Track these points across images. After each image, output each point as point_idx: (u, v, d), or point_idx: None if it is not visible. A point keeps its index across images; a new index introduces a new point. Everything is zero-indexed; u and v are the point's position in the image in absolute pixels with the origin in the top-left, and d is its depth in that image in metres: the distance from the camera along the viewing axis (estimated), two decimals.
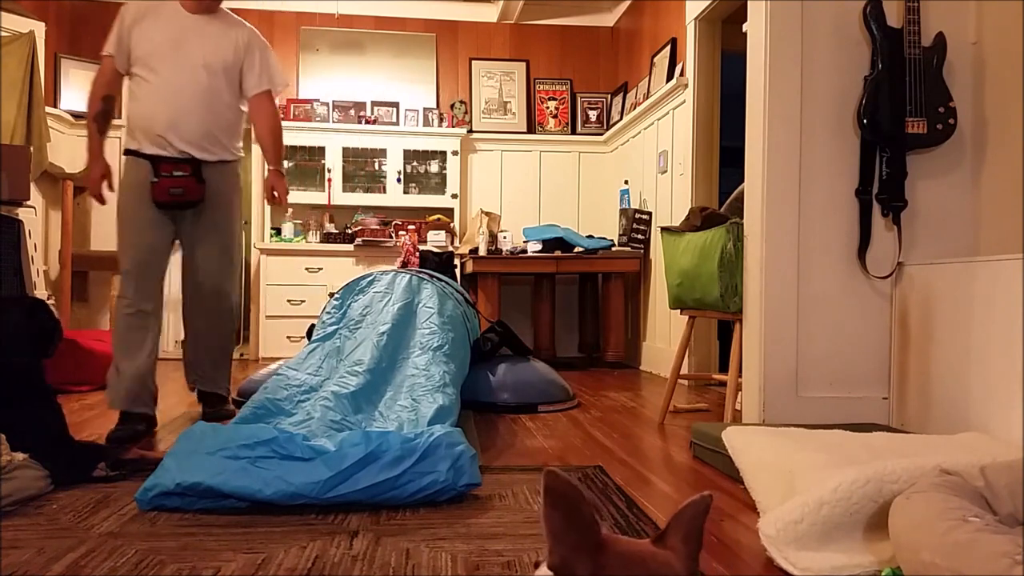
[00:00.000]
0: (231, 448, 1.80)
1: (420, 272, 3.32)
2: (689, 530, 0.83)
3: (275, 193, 3.07)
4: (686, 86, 4.46)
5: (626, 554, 0.79)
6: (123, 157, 2.85)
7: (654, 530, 1.63)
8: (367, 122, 5.82)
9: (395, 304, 2.96)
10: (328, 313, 3.06)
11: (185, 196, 2.80)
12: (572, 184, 6.12)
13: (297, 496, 1.73)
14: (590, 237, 5.41)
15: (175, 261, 2.99)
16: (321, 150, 5.73)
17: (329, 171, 5.72)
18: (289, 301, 5.43)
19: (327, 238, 5.61)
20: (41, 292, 4.53)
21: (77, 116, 4.95)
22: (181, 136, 2.78)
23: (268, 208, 5.70)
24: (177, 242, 2.94)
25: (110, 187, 2.82)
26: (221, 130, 2.89)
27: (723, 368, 3.99)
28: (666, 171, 4.77)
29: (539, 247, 5.24)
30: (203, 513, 1.76)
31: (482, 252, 5.12)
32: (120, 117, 3.25)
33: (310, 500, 1.75)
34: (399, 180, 5.80)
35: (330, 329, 2.90)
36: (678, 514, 0.85)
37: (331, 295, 3.55)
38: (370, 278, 3.23)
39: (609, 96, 6.16)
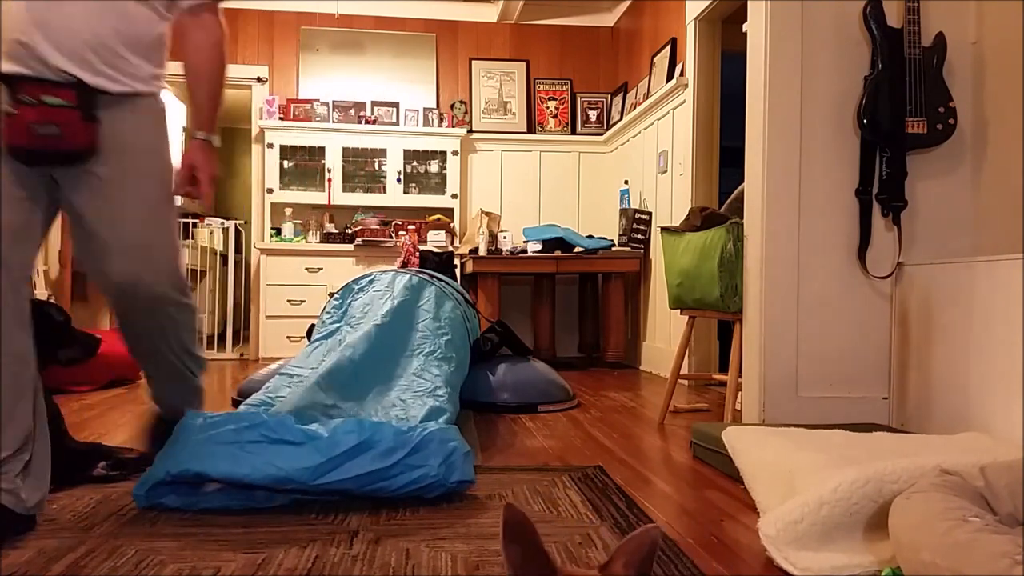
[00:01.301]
0: (221, 433, 1.76)
1: (420, 272, 3.32)
2: (631, 558, 0.89)
3: (197, 176, 1.91)
4: (686, 86, 4.46)
5: None
6: None
7: None
8: (367, 122, 5.82)
9: (395, 299, 2.96)
10: (328, 313, 3.07)
11: (63, 141, 1.67)
12: (572, 184, 6.12)
13: (286, 481, 1.70)
14: (590, 237, 5.41)
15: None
16: (321, 150, 5.73)
17: (329, 171, 5.72)
18: (289, 301, 5.43)
19: (327, 238, 5.62)
20: (41, 292, 4.53)
21: None
22: (58, 44, 1.67)
23: (268, 204, 5.71)
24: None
25: None
26: (128, 42, 1.76)
27: (723, 368, 3.99)
28: (666, 171, 4.77)
29: (539, 247, 5.24)
30: (203, 513, 1.76)
31: (482, 252, 5.12)
32: None
33: (299, 486, 1.71)
34: (399, 180, 5.80)
35: (332, 327, 2.90)
36: (623, 544, 0.91)
37: (331, 295, 3.55)
38: (370, 277, 3.24)
39: (609, 96, 6.16)
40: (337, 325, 2.91)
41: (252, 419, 1.80)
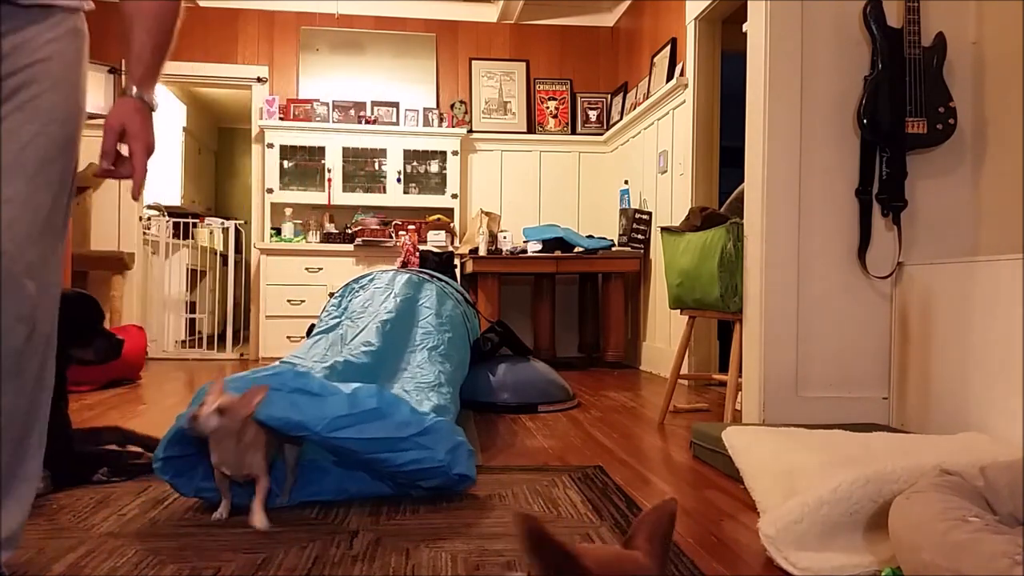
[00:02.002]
0: (240, 379, 1.75)
1: (420, 272, 3.33)
2: (653, 531, 0.90)
3: (130, 145, 1.37)
4: (686, 86, 4.46)
5: (601, 558, 0.87)
6: None
7: None
8: (367, 122, 5.82)
9: (396, 297, 2.97)
10: (327, 312, 3.07)
11: None
12: (572, 184, 6.12)
13: (300, 427, 1.69)
14: (590, 237, 5.41)
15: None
16: (321, 150, 5.73)
17: (329, 171, 5.72)
18: (289, 301, 5.43)
19: (327, 238, 5.62)
20: None
21: None
22: None
23: (268, 204, 5.70)
24: None
25: None
26: None
27: (723, 368, 3.99)
28: (666, 171, 4.77)
29: (539, 247, 5.24)
30: (203, 513, 1.77)
31: (482, 252, 5.12)
32: None
33: (312, 435, 1.70)
34: (399, 180, 5.80)
35: (333, 322, 2.91)
36: (641, 517, 0.92)
37: (331, 295, 3.55)
38: (370, 276, 3.24)
39: (609, 96, 6.16)
40: (337, 320, 2.92)
41: (273, 369, 1.79)
